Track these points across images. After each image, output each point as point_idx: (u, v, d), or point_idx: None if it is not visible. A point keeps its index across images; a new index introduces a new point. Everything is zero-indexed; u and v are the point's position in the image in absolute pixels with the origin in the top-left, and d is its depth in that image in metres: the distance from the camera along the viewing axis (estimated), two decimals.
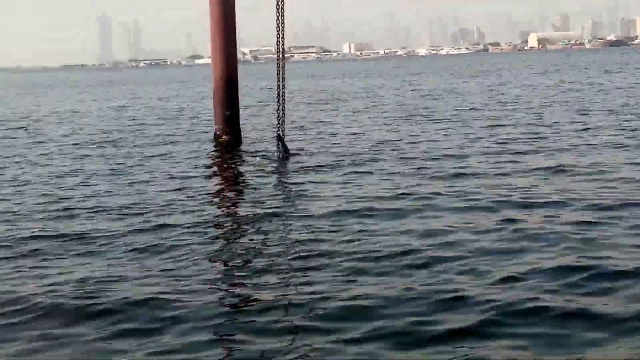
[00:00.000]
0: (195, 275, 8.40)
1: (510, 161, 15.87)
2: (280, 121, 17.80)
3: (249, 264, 8.85)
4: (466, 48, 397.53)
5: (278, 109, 17.79)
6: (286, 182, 14.58)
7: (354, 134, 22.62)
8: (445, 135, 21.49)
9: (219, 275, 8.49)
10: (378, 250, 9.14)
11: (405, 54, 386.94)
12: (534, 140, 19.25)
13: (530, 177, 13.84)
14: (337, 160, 16.87)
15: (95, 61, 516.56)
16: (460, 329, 6.62)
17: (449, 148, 18.45)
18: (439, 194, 12.54)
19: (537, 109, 28.60)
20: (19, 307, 7.57)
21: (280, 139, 17.83)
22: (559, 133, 20.43)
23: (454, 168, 15.28)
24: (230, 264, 8.96)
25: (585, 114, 25.43)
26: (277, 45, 17.72)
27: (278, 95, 17.74)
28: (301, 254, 9.09)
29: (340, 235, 9.94)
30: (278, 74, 17.63)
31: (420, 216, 10.99)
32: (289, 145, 18.24)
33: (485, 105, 32.18)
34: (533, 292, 7.44)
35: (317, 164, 16.46)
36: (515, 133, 20.95)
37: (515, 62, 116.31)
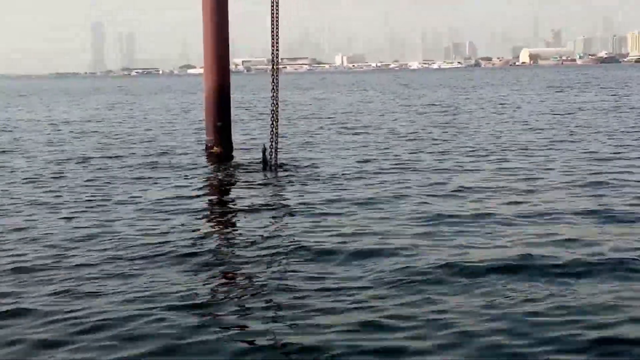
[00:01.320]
0: (178, 292, 8.15)
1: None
2: (272, 133, 17.56)
3: (235, 281, 8.61)
4: (458, 62, 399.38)
5: (271, 121, 17.58)
6: (276, 196, 14.36)
7: (354, 149, 22.32)
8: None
9: (202, 291, 8.20)
10: (367, 266, 8.96)
11: (397, 67, 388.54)
12: None
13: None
14: (330, 175, 16.66)
15: (87, 70, 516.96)
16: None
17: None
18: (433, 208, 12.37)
19: None
20: None
21: (264, 151, 17.57)
22: None
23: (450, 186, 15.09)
24: (214, 277, 8.72)
25: None
26: (272, 56, 17.57)
27: (272, 107, 17.53)
28: (288, 272, 8.88)
29: (331, 254, 9.70)
30: (272, 87, 17.47)
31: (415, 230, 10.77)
32: (283, 158, 18.10)
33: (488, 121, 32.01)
34: None
35: (309, 178, 16.28)
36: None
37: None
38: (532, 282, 8.31)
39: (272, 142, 17.54)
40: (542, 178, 15.67)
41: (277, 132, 17.65)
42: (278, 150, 17.77)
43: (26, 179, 17.37)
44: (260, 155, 17.77)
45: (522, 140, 23.17)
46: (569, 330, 6.84)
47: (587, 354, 6.37)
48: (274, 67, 17.65)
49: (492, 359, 6.35)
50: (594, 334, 6.75)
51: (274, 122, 17.54)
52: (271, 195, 14.53)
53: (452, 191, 14.25)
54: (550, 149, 20.77)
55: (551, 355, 6.37)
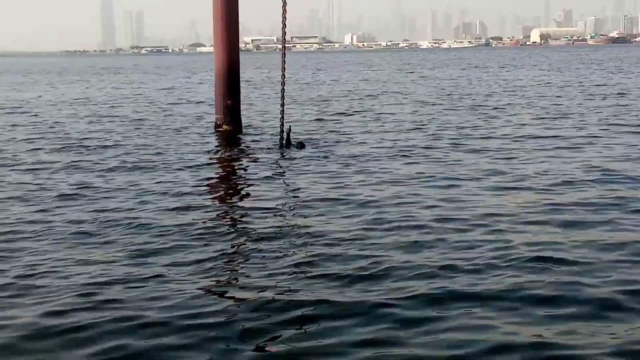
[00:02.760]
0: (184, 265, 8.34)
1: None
2: (282, 111, 17.72)
3: (239, 257, 8.71)
4: (468, 42, 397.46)
5: (282, 100, 17.73)
6: (285, 174, 14.40)
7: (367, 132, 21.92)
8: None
9: (207, 266, 8.36)
10: (377, 244, 9.07)
11: (407, 46, 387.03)
12: None
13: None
14: (341, 155, 16.63)
15: (97, 48, 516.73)
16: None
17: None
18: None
19: None
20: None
21: (289, 132, 17.75)
22: None
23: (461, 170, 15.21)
24: (219, 255, 8.81)
25: None
26: (283, 37, 17.67)
27: (283, 86, 17.70)
28: (294, 248, 8.97)
29: (335, 230, 9.79)
30: (282, 68, 17.61)
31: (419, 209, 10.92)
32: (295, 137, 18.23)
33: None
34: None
35: (320, 157, 16.29)
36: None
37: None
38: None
39: (281, 121, 17.70)
40: None
41: (283, 112, 17.77)
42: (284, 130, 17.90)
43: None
44: (270, 133, 17.87)
45: None
46: None
47: None
48: (284, 47, 17.80)
49: None
50: None
51: (282, 102, 17.67)
52: (283, 172, 14.58)
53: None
54: None
55: None
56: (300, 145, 17.75)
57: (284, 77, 17.71)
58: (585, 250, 8.69)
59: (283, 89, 17.68)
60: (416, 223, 10.12)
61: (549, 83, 43.87)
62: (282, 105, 17.61)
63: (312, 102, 32.42)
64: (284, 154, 16.80)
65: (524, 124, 22.03)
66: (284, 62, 17.71)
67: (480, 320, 6.68)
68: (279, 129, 17.79)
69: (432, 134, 20.15)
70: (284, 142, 17.61)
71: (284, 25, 17.55)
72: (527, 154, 16.21)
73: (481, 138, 19.11)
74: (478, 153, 16.60)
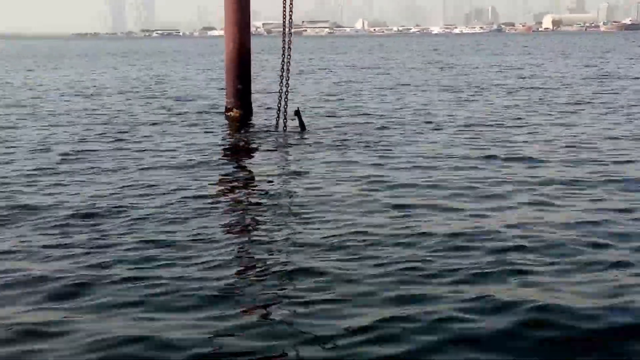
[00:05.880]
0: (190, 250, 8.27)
1: None
2: (284, 95, 17.72)
3: (246, 245, 8.58)
4: (480, 27, 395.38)
5: (281, 83, 17.73)
6: (294, 160, 14.24)
7: (381, 116, 21.38)
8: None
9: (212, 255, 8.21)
10: (381, 235, 8.89)
11: (418, 31, 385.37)
12: None
13: None
14: (353, 140, 16.46)
15: (108, 31, 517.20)
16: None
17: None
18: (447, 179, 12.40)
19: None
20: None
21: (297, 113, 17.71)
22: None
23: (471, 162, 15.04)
24: (227, 242, 8.68)
25: None
26: (284, 19, 17.60)
27: (282, 69, 17.69)
28: (302, 237, 8.76)
29: (342, 218, 9.61)
30: (283, 47, 17.51)
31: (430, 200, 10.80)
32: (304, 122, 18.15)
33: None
34: None
35: (331, 143, 16.09)
36: None
37: None
38: None
39: (282, 105, 17.74)
40: None
41: (287, 95, 17.79)
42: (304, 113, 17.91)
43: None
44: (281, 118, 17.84)
45: None
46: None
47: None
48: (285, 29, 17.65)
49: None
50: None
51: (285, 85, 17.70)
52: (288, 160, 14.38)
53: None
54: None
55: None
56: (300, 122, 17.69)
57: (288, 60, 17.61)
58: None
59: (285, 72, 17.62)
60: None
61: None
62: (286, 87, 17.66)
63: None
64: (292, 139, 16.65)
65: None
66: (287, 45, 17.52)
67: None
68: (277, 112, 17.97)
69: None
70: (304, 125, 17.67)
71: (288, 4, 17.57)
72: None
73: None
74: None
